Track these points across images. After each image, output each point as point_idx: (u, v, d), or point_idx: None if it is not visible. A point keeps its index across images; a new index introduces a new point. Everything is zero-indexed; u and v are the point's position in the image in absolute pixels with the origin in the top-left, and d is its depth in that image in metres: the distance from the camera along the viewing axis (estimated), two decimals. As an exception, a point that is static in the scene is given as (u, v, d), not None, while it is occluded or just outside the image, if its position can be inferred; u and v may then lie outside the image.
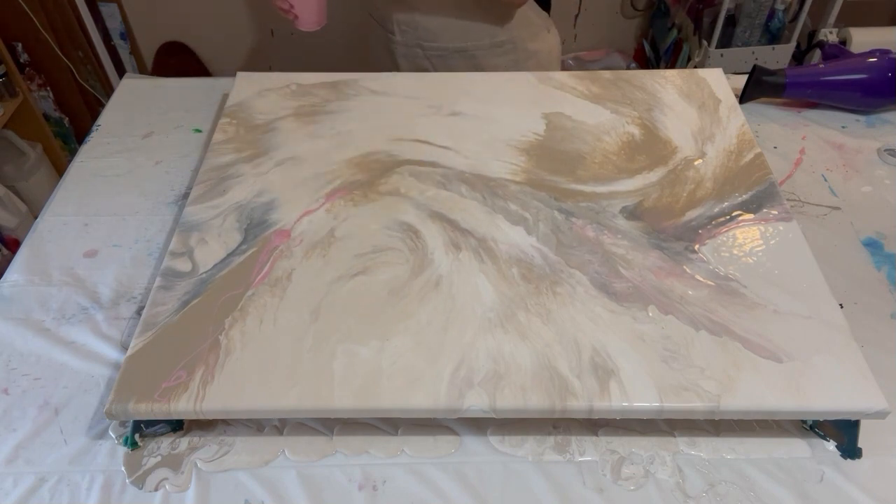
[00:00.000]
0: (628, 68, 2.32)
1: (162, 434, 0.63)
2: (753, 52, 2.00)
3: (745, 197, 0.77)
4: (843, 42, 1.94)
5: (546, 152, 0.83)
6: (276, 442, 0.63)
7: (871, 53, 0.96)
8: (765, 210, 0.75)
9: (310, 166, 0.82)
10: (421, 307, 0.65)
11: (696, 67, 0.90)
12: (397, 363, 0.61)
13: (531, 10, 1.07)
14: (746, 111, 0.93)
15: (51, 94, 1.84)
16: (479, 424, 0.64)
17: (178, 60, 2.22)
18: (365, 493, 0.59)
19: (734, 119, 0.87)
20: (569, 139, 0.85)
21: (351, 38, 2.22)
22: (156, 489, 0.59)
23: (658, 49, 2.26)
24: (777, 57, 2.01)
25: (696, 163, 0.81)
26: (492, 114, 0.89)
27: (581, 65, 2.35)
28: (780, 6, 1.93)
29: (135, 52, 2.16)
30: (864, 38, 1.89)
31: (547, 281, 0.68)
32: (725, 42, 2.01)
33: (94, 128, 0.95)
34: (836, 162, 0.90)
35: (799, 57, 2.04)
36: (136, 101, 1.00)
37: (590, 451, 0.62)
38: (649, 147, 0.84)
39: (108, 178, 0.88)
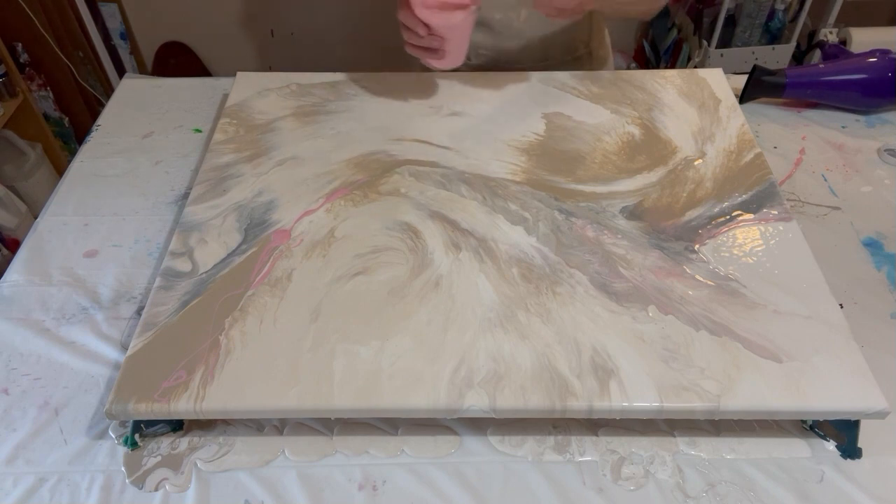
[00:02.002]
0: (628, 68, 2.32)
1: (162, 434, 0.63)
2: (753, 52, 2.00)
3: (745, 197, 0.77)
4: (843, 42, 1.94)
5: (546, 152, 0.83)
6: (276, 442, 0.63)
7: (871, 53, 0.96)
8: (765, 210, 0.75)
9: (310, 166, 0.82)
10: (421, 307, 0.65)
11: (696, 67, 0.90)
12: (397, 363, 0.61)
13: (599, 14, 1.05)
14: (746, 111, 0.94)
15: (51, 94, 1.84)
16: (479, 424, 0.64)
17: (178, 60, 2.22)
18: (365, 493, 0.59)
19: (734, 119, 0.87)
20: (569, 139, 0.85)
21: (351, 38, 2.22)
22: (156, 489, 0.59)
23: (658, 49, 2.26)
24: (777, 57, 2.01)
25: (696, 163, 0.81)
26: (492, 114, 0.89)
27: (581, 65, 2.34)
28: (780, 6, 1.94)
29: (135, 52, 2.16)
30: (864, 38, 1.89)
31: (547, 281, 0.68)
32: (725, 42, 2.01)
33: (94, 128, 0.95)
34: (836, 162, 0.90)
35: (799, 57, 2.04)
36: (136, 101, 1.00)
37: (590, 451, 0.62)
38: (649, 147, 0.84)
39: (108, 178, 0.88)
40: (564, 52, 1.02)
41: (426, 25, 0.78)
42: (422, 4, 0.75)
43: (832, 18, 1.99)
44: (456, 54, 0.83)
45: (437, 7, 0.77)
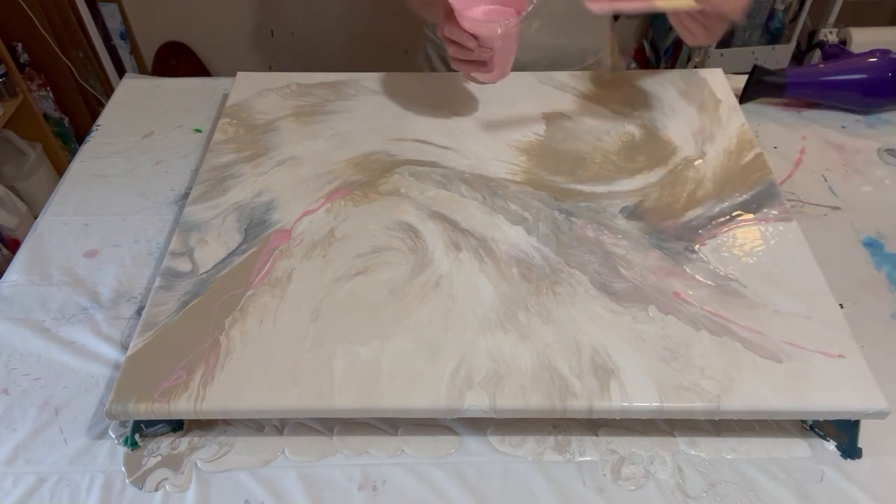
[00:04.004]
0: (628, 68, 2.32)
1: (162, 434, 0.63)
2: (753, 52, 1.99)
3: (745, 197, 0.77)
4: (843, 42, 1.94)
5: (546, 152, 0.83)
6: (276, 442, 0.63)
7: (871, 53, 0.96)
8: (765, 210, 0.75)
9: (310, 166, 0.82)
10: (421, 307, 0.65)
11: (696, 67, 0.90)
12: (397, 363, 0.61)
13: (610, 20, 1.04)
14: (746, 111, 0.93)
15: (51, 94, 1.84)
16: (479, 424, 0.64)
17: (178, 60, 2.22)
18: (365, 493, 0.59)
19: (734, 119, 0.87)
20: (569, 139, 0.85)
21: (351, 38, 2.22)
22: (156, 489, 0.59)
23: (658, 49, 2.26)
24: (777, 57, 2.01)
25: (696, 163, 0.81)
26: (492, 114, 0.89)
27: (581, 65, 2.34)
28: (780, 6, 1.94)
29: (135, 52, 2.16)
30: (864, 38, 1.89)
31: (547, 281, 0.68)
32: (725, 42, 2.00)
33: (94, 128, 0.95)
34: (836, 162, 0.90)
35: (799, 57, 2.04)
36: (136, 101, 1.00)
37: (590, 451, 0.62)
38: (649, 147, 0.84)
39: (108, 178, 0.88)
40: (575, 62, 1.02)
41: (475, 38, 0.75)
42: (469, 17, 0.73)
43: (832, 18, 1.99)
44: (503, 66, 0.80)
45: (485, 17, 0.75)
